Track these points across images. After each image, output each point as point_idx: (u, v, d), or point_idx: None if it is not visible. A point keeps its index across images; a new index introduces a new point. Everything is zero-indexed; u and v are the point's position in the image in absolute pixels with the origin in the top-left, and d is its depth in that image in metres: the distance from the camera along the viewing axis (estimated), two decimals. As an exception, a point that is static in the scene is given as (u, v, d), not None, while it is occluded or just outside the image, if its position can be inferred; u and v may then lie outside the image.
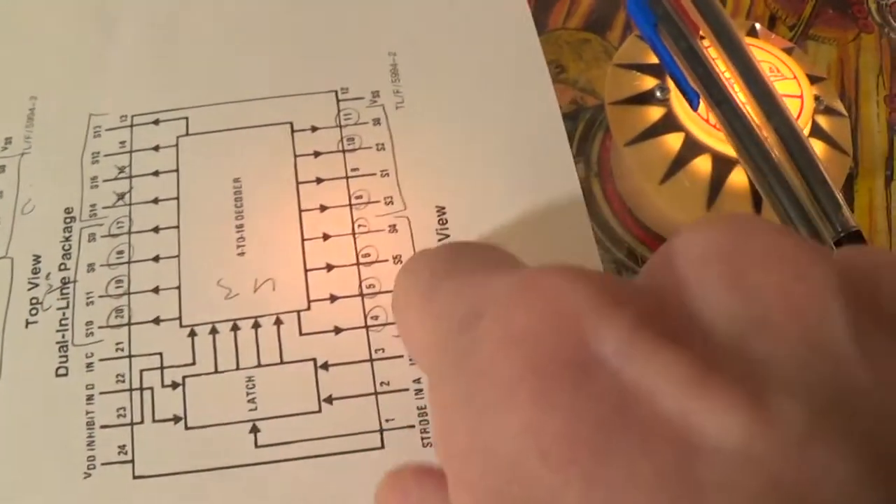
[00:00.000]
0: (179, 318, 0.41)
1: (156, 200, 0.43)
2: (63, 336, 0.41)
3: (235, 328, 0.41)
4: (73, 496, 0.37)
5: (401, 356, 0.40)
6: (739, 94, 0.43)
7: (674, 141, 0.46)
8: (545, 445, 0.19)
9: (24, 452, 0.38)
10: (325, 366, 0.40)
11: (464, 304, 0.25)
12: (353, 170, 0.44)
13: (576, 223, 0.42)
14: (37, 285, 0.42)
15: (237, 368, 0.40)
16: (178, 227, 0.43)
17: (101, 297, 0.41)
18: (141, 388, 0.40)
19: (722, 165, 0.45)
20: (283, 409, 0.39)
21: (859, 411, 0.18)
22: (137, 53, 0.48)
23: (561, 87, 0.50)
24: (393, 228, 0.42)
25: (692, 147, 0.46)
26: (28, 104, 0.47)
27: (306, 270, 0.42)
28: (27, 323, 0.41)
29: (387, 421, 0.39)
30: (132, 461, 0.38)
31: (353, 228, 0.43)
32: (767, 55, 0.48)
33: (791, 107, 0.43)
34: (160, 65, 0.48)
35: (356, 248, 0.42)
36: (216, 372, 0.40)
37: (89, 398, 0.39)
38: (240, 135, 0.45)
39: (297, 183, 0.44)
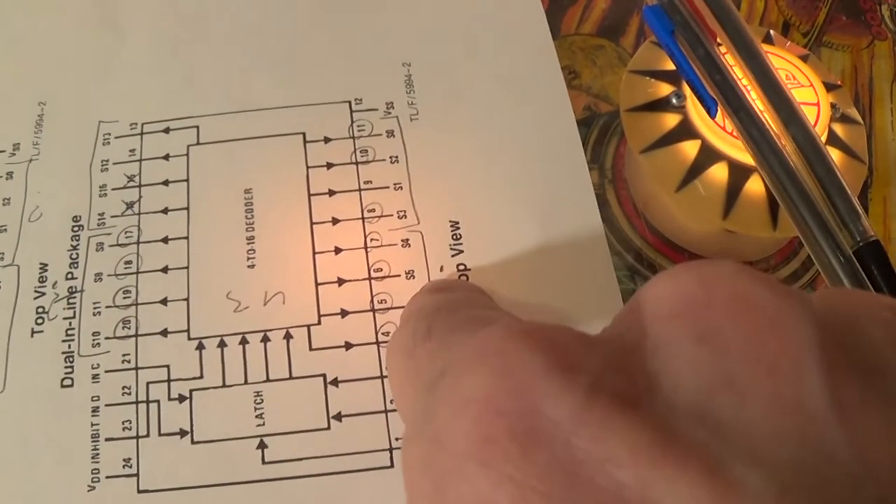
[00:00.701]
0: (187, 330, 0.39)
1: (165, 210, 0.42)
2: (69, 346, 0.39)
3: (244, 342, 0.39)
4: (76, 510, 0.35)
5: (411, 374, 0.37)
6: (757, 102, 0.42)
7: (690, 148, 0.44)
8: None
9: (27, 464, 0.37)
10: (335, 382, 0.38)
11: (435, 366, 0.24)
12: (366, 182, 0.42)
13: (591, 234, 0.40)
14: (43, 294, 0.40)
15: (245, 383, 0.38)
16: (187, 237, 0.41)
17: (108, 307, 0.40)
18: (147, 401, 0.38)
19: (738, 173, 0.44)
20: (292, 425, 0.38)
21: (832, 480, 0.17)
22: (148, 60, 0.46)
23: (574, 93, 0.48)
24: (406, 243, 0.41)
25: (708, 154, 0.44)
26: (37, 110, 0.45)
27: (317, 284, 0.40)
28: (33, 332, 0.39)
29: (397, 440, 0.37)
30: (137, 475, 0.37)
31: (365, 242, 0.41)
32: (783, 62, 0.47)
33: (808, 115, 0.41)
34: (171, 72, 0.46)
35: (368, 263, 0.40)
36: (224, 386, 0.38)
37: (95, 410, 0.38)
38: (251, 145, 0.43)
39: (309, 195, 0.42)
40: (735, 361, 0.18)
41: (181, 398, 0.38)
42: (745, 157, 0.43)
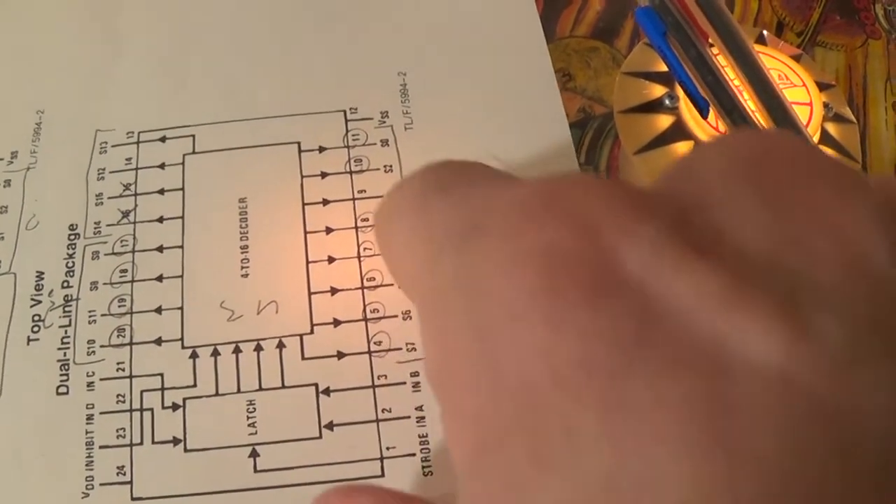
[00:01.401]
0: (181, 339, 0.39)
1: (160, 219, 0.41)
2: (64, 354, 0.39)
3: (237, 350, 0.38)
4: (70, 517, 0.34)
5: (403, 383, 0.38)
6: (749, 102, 0.41)
7: (683, 149, 0.44)
8: (559, 369, 0.17)
9: (22, 471, 0.36)
10: (327, 391, 0.38)
11: (461, 219, 0.21)
12: (360, 192, 0.42)
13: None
14: (39, 302, 0.40)
15: (238, 391, 0.38)
16: (182, 246, 0.40)
17: (103, 315, 0.39)
18: (141, 409, 0.38)
19: (730, 175, 0.42)
20: (284, 433, 0.37)
21: None
22: (146, 70, 0.46)
23: (569, 95, 0.47)
24: (399, 252, 0.39)
25: (701, 156, 0.42)
26: (34, 118, 0.44)
27: (310, 293, 0.39)
28: (28, 340, 0.39)
29: (388, 449, 0.36)
30: (131, 482, 0.36)
31: (358, 252, 0.40)
32: (776, 62, 0.46)
33: (800, 114, 0.41)
34: (168, 81, 0.45)
35: (361, 272, 0.40)
36: (217, 395, 0.38)
37: (89, 418, 0.37)
38: (247, 154, 0.43)
39: (304, 204, 0.41)
40: (803, 223, 0.18)
41: (175, 406, 0.37)
42: (738, 160, 0.41)
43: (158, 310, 0.39)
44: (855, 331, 0.16)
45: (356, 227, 0.41)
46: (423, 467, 0.36)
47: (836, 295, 0.17)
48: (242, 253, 0.40)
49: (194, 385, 0.38)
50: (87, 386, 0.38)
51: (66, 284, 0.40)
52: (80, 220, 0.42)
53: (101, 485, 0.36)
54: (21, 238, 0.41)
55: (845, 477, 0.15)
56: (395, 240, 0.25)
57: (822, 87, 0.45)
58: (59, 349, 0.39)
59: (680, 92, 0.43)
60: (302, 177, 0.42)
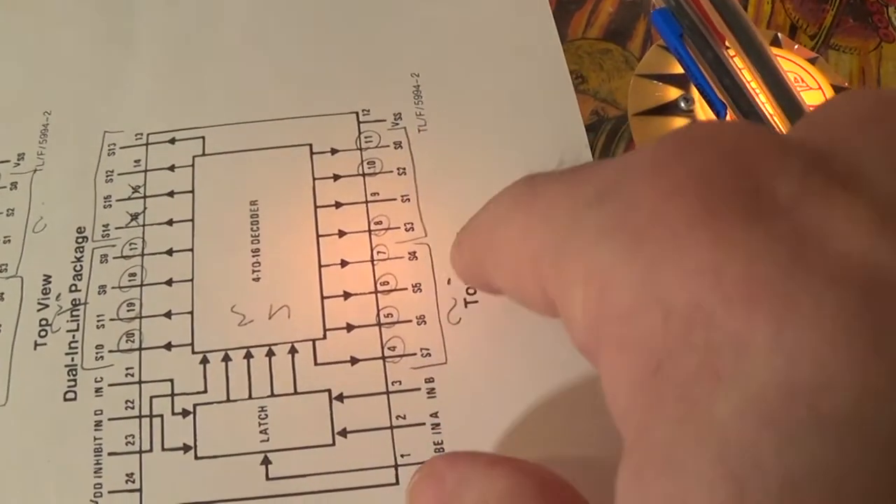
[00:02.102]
0: (192, 344, 0.37)
1: (170, 222, 0.39)
2: (72, 359, 0.37)
3: (249, 356, 0.37)
4: (79, 524, 0.33)
5: (418, 389, 0.36)
6: (766, 105, 0.40)
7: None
8: (727, 288, 0.18)
9: (29, 477, 0.34)
10: (340, 397, 0.36)
11: (585, 190, 0.23)
12: (373, 194, 0.40)
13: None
14: (47, 306, 0.38)
15: (249, 398, 0.36)
16: (192, 250, 0.39)
17: (111, 320, 0.38)
18: (150, 416, 0.36)
19: (746, 178, 0.40)
20: (296, 441, 0.35)
21: None
22: (155, 70, 0.44)
23: (581, 97, 0.45)
24: (413, 256, 0.39)
25: (717, 159, 0.41)
26: (41, 119, 0.43)
27: (323, 298, 0.38)
28: (36, 345, 0.37)
29: (402, 456, 0.35)
30: (140, 490, 0.34)
31: (371, 255, 0.39)
32: (792, 65, 0.45)
33: None
34: (177, 82, 0.44)
35: (374, 276, 0.38)
36: (228, 401, 0.36)
37: (97, 424, 0.36)
38: (257, 156, 0.41)
39: (316, 207, 0.39)
40: None
41: (185, 413, 0.36)
42: (754, 162, 0.39)
43: (168, 314, 0.38)
44: None
45: (369, 231, 0.39)
46: (439, 475, 0.34)
47: None
48: (254, 256, 0.39)
49: (205, 391, 0.36)
50: (96, 392, 0.36)
51: (73, 288, 0.38)
52: (87, 222, 0.40)
53: (109, 492, 0.34)
54: (28, 241, 0.39)
55: None
56: (502, 243, 0.27)
57: (838, 90, 0.44)
58: (67, 354, 0.37)
59: (696, 94, 0.42)
60: (314, 179, 0.40)
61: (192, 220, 0.40)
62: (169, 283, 0.38)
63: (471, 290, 0.38)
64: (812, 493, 0.16)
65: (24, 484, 0.35)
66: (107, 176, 0.41)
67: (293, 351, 0.37)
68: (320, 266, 0.39)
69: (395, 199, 0.40)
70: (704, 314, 0.18)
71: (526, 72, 0.44)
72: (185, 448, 0.35)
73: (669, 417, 0.18)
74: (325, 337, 0.37)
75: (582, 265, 0.21)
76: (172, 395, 0.36)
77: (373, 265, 0.39)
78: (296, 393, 0.36)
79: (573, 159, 0.40)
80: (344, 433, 0.35)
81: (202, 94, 0.43)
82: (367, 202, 0.40)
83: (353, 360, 0.37)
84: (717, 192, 0.19)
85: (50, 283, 0.39)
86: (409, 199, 0.40)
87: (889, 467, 0.16)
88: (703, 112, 0.42)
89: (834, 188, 0.18)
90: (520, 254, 0.26)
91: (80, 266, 0.39)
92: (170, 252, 0.39)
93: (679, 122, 0.44)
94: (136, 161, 0.41)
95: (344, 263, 0.39)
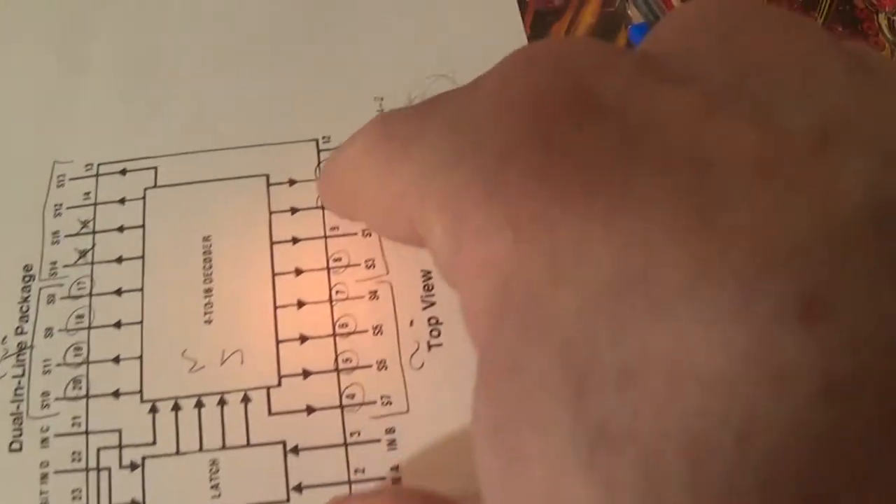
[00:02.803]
0: (140, 391, 0.34)
1: (119, 260, 0.36)
2: (18, 407, 0.34)
3: (200, 405, 0.34)
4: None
5: (377, 440, 0.33)
6: None
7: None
8: (562, 188, 0.18)
9: (-28, 533, 0.32)
10: (296, 450, 0.33)
11: (436, 121, 0.23)
12: (332, 229, 0.37)
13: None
14: (-9, 350, 0.35)
15: (200, 450, 0.33)
16: (141, 290, 0.36)
17: (58, 365, 0.35)
18: (98, 469, 0.33)
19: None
20: (249, 496, 0.33)
21: (868, 121, 0.17)
22: (108, 96, 0.41)
23: (563, 114, 0.41)
24: (374, 295, 0.36)
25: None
26: (-12, 148, 0.39)
27: (278, 342, 0.35)
28: (-20, 392, 0.34)
29: (360, 510, 0.32)
30: (88, 548, 0.31)
31: (330, 295, 0.36)
32: None
33: None
34: (131, 109, 0.40)
35: (333, 318, 0.35)
36: (178, 453, 0.33)
37: (44, 477, 0.33)
38: (212, 188, 0.38)
39: (272, 243, 0.36)
40: (763, 51, 0.19)
41: (133, 466, 0.33)
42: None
43: (116, 359, 0.35)
44: (826, 123, 0.17)
45: (328, 268, 0.36)
46: (400, 532, 0.32)
47: (801, 101, 0.18)
48: (206, 297, 0.36)
49: (154, 442, 0.34)
50: (42, 442, 0.34)
51: (20, 331, 0.36)
52: (35, 260, 0.37)
53: (56, 549, 0.31)
54: (-28, 281, 0.36)
55: (831, 239, 0.16)
56: (363, 188, 0.26)
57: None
58: (13, 402, 0.34)
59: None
60: (270, 212, 0.37)
61: (143, 258, 0.37)
62: (117, 325, 0.36)
63: (434, 333, 0.35)
64: (648, 380, 0.16)
65: (-33, 541, 0.32)
66: (55, 210, 0.38)
67: (246, 399, 0.34)
68: (276, 307, 0.36)
69: (355, 234, 0.37)
70: (547, 219, 0.18)
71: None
72: (134, 504, 0.32)
73: (515, 325, 0.18)
74: (279, 384, 0.34)
75: (439, 194, 0.21)
76: (120, 446, 0.34)
77: (331, 306, 0.36)
78: (249, 445, 0.33)
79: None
80: (299, 488, 0.33)
81: (156, 122, 0.40)
82: (325, 237, 0.37)
83: (310, 410, 0.34)
84: (548, 101, 0.19)
85: (-5, 325, 0.36)
86: (370, 234, 0.37)
87: (727, 345, 0.15)
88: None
89: (663, 83, 0.19)
90: (383, 196, 0.25)
91: (27, 307, 0.36)
92: (118, 292, 0.36)
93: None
94: (85, 193, 0.38)
95: (301, 304, 0.36)
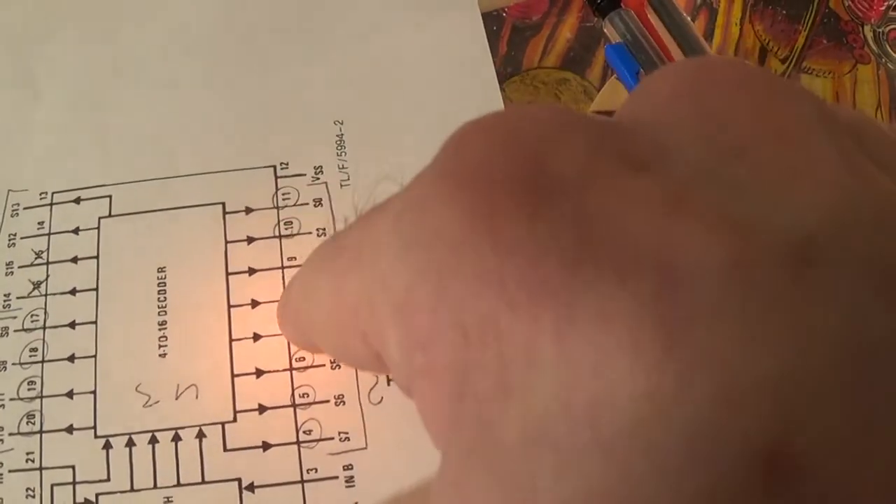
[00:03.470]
0: (94, 427, 0.33)
1: (73, 291, 0.35)
2: (-28, 443, 0.33)
3: (154, 440, 0.33)
4: None
5: (335, 478, 0.32)
6: None
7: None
8: (512, 294, 0.16)
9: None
10: (251, 487, 0.32)
11: (385, 219, 0.20)
12: (290, 259, 0.36)
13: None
14: (-54, 384, 0.34)
15: (154, 487, 0.32)
16: (95, 322, 0.35)
17: (12, 399, 0.34)
18: (51, 506, 0.32)
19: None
20: None
21: (859, 226, 0.15)
22: (62, 124, 0.40)
23: (536, 132, 0.40)
24: (333, 328, 0.33)
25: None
26: (-58, 178, 0.38)
27: (233, 376, 0.34)
28: (-65, 426, 0.33)
29: (317, 552, 0.31)
30: (41, 587, 0.30)
31: (287, 328, 0.33)
32: None
33: None
34: (85, 137, 0.39)
35: (289, 351, 0.34)
36: (132, 490, 0.32)
37: (-3, 513, 0.32)
38: (167, 217, 0.37)
39: (227, 274, 0.35)
40: (743, 132, 0.17)
41: (87, 503, 0.32)
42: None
43: (70, 394, 0.34)
44: (802, 225, 0.15)
45: (285, 300, 0.34)
46: (358, 573, 0.31)
47: (779, 197, 0.16)
48: (160, 329, 0.35)
49: (108, 479, 0.32)
50: (-4, 478, 0.32)
51: (-26, 365, 0.34)
52: (-12, 291, 0.36)
53: (9, 587, 0.30)
54: (-75, 313, 0.35)
55: (803, 382, 0.14)
56: (317, 310, 0.25)
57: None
58: (-32, 437, 0.33)
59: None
60: (226, 242, 0.36)
61: (97, 290, 0.36)
62: (71, 359, 0.34)
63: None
64: None
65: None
66: (9, 240, 0.37)
67: (201, 435, 0.33)
68: (231, 340, 0.35)
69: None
70: (495, 326, 0.16)
71: (461, 113, 0.39)
72: (88, 542, 0.31)
73: (463, 445, 0.17)
74: (235, 419, 0.33)
75: (391, 300, 0.19)
76: (74, 483, 0.32)
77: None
78: (203, 482, 0.32)
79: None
80: (255, 527, 0.31)
81: (110, 149, 0.39)
82: (283, 268, 0.36)
83: (266, 446, 0.33)
84: (496, 185, 0.17)
85: (-50, 359, 0.35)
86: (327, 268, 0.35)
87: (680, 488, 0.14)
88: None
89: (623, 168, 0.17)
90: (338, 313, 0.23)
91: (-19, 340, 0.35)
92: (73, 325, 0.35)
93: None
94: (39, 223, 0.37)
95: (256, 337, 0.35)
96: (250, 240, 0.36)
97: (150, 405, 0.34)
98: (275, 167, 0.38)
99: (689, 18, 0.41)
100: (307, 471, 0.32)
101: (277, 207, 0.37)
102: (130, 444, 0.33)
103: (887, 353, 0.14)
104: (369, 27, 0.42)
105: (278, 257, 0.36)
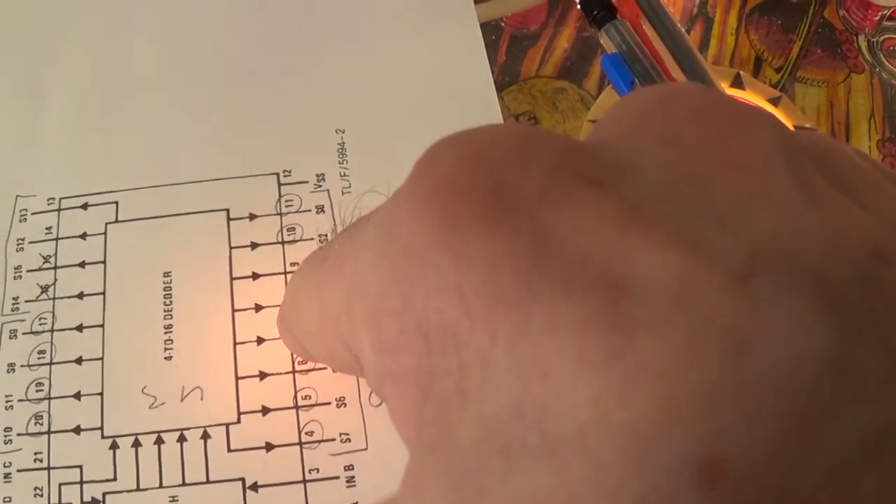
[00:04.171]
0: (101, 428, 0.34)
1: (81, 295, 0.36)
2: (-20, 443, 0.33)
3: (160, 441, 0.33)
4: None
5: (336, 478, 0.33)
6: None
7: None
8: (470, 304, 0.17)
9: (-64, 572, 0.31)
10: (255, 486, 0.33)
11: (366, 230, 0.21)
12: (293, 264, 0.36)
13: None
14: (-46, 386, 0.34)
15: (160, 486, 0.33)
16: (102, 325, 0.35)
17: (20, 401, 0.34)
18: (59, 505, 0.32)
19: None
20: None
21: (806, 249, 0.16)
22: (70, 130, 0.40)
23: (535, 140, 0.41)
24: (333, 331, 0.33)
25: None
26: (-52, 183, 0.38)
27: (237, 378, 0.34)
28: (-57, 427, 0.34)
29: (319, 550, 0.31)
30: (49, 582, 0.31)
31: (289, 332, 0.33)
32: None
33: None
34: (92, 143, 0.40)
35: (292, 355, 0.35)
36: (138, 489, 0.33)
37: (6, 513, 0.32)
38: (172, 223, 0.37)
39: (232, 279, 0.36)
40: (700, 158, 0.18)
41: (94, 502, 0.32)
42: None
43: (77, 395, 0.34)
44: (754, 246, 0.16)
45: (287, 305, 0.34)
46: (359, 569, 0.31)
47: (734, 216, 0.16)
48: (166, 333, 0.35)
49: (114, 479, 0.33)
50: (5, 478, 0.33)
51: (-18, 366, 0.35)
52: (-3, 295, 0.36)
53: (17, 584, 0.31)
54: (-65, 316, 0.36)
55: (739, 394, 0.14)
56: (306, 318, 0.26)
57: (802, 130, 0.40)
58: (-24, 437, 0.33)
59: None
60: (230, 248, 0.37)
61: (104, 294, 0.36)
62: (79, 361, 0.35)
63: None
64: None
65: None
66: (18, 244, 0.37)
67: (206, 436, 0.34)
68: (235, 343, 0.35)
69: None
70: (455, 334, 0.17)
71: (459, 121, 0.39)
72: (95, 540, 0.32)
73: (424, 448, 0.17)
74: (239, 421, 0.34)
75: (365, 307, 0.20)
76: (81, 482, 0.33)
77: (291, 342, 0.34)
78: (208, 482, 0.33)
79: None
80: (259, 526, 0.32)
81: (117, 156, 0.39)
82: (286, 273, 0.36)
83: (269, 446, 0.33)
84: (458, 199, 0.18)
85: (-42, 360, 0.35)
86: (329, 272, 0.36)
87: (617, 494, 0.14)
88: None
89: (580, 185, 0.17)
90: (323, 321, 0.24)
91: (-10, 342, 0.35)
92: (80, 328, 0.36)
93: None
94: (47, 228, 0.38)
95: (260, 341, 0.35)
96: (254, 245, 0.37)
97: (156, 406, 0.34)
98: (278, 175, 0.39)
99: (683, 29, 0.42)
100: (309, 471, 0.33)
101: (280, 214, 0.37)
102: (137, 444, 0.33)
103: (823, 366, 0.15)
104: (370, 37, 0.43)
105: (281, 262, 0.37)
